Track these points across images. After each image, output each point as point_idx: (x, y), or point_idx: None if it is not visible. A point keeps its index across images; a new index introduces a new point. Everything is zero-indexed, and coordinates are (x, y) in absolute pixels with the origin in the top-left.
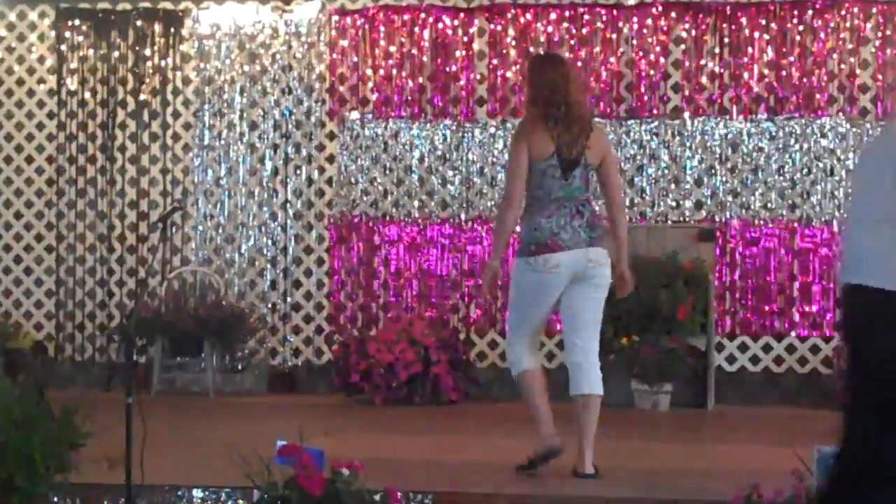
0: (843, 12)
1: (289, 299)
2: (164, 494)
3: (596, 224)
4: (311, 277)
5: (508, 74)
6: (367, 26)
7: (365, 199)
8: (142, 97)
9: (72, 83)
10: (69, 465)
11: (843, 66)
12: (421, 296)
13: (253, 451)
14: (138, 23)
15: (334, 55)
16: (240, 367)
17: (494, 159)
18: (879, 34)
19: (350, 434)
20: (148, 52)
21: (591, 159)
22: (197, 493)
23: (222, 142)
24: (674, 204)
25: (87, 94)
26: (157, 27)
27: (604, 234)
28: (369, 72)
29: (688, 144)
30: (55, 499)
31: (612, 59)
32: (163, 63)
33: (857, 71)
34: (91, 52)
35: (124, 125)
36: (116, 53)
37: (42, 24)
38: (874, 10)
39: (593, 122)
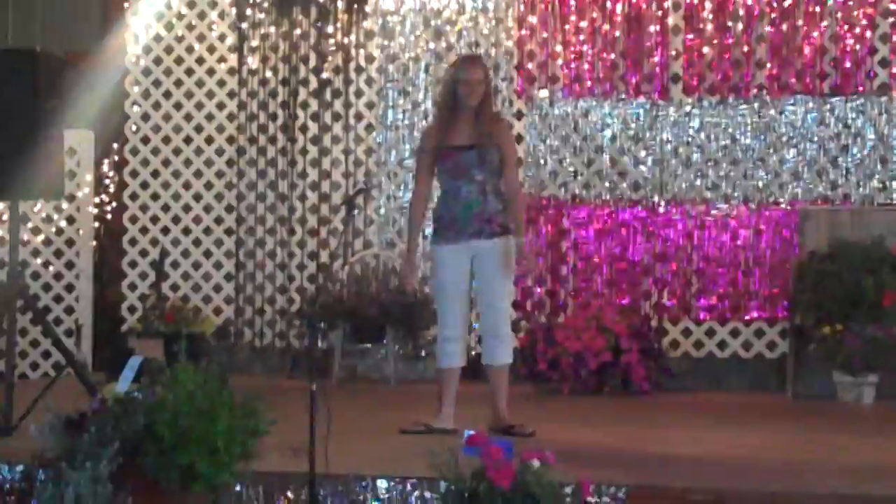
0: None
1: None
2: (349, 484)
3: None
4: None
5: (705, 50)
6: (556, 1)
7: (554, 180)
8: (324, 75)
9: (253, 61)
10: (252, 453)
11: None
12: (611, 281)
13: (439, 440)
14: None
15: (522, 31)
16: (423, 354)
17: (689, 139)
18: None
19: (539, 424)
20: (330, 28)
21: None
22: (382, 484)
23: (406, 121)
24: (880, 186)
25: (268, 73)
26: (340, 3)
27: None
28: (559, 48)
29: (895, 122)
30: (238, 487)
31: (816, 34)
32: (346, 40)
33: None
34: (272, 29)
35: (306, 104)
36: (298, 31)
37: (223, 1)
38: None
39: None
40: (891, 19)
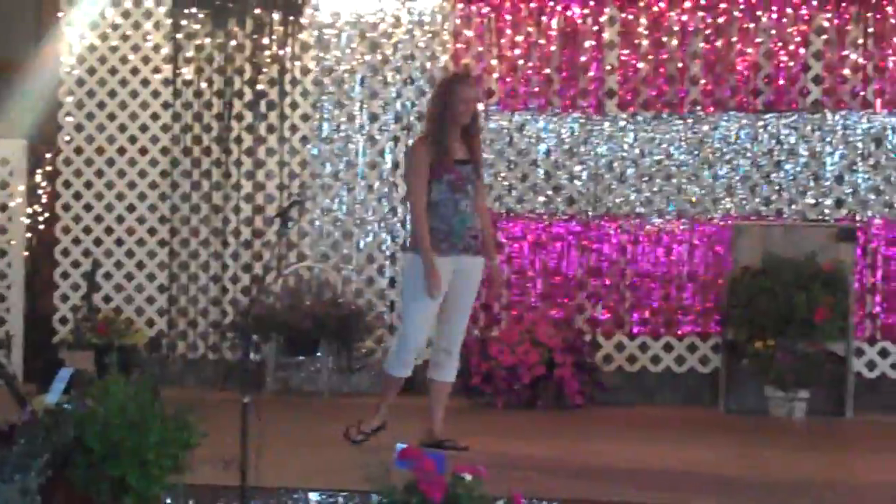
0: None
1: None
2: (280, 497)
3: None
4: None
5: (640, 65)
6: (492, 15)
7: (489, 194)
8: (259, 87)
9: (188, 73)
10: (184, 466)
11: None
12: (545, 295)
13: (370, 453)
14: (256, 11)
15: (458, 45)
16: (356, 367)
17: (624, 154)
18: None
19: (472, 438)
20: (266, 40)
21: None
22: (313, 497)
23: (341, 134)
24: (813, 202)
25: (203, 84)
26: (276, 15)
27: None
28: (494, 62)
29: (828, 139)
30: (168, 500)
31: (750, 50)
32: (281, 52)
33: None
34: (207, 40)
35: (241, 116)
36: (233, 42)
37: (158, 12)
38: None
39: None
40: (824, 37)
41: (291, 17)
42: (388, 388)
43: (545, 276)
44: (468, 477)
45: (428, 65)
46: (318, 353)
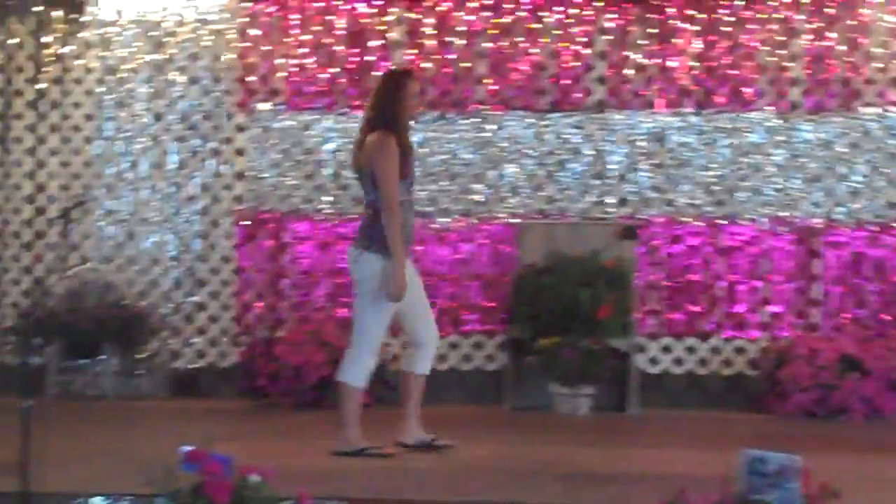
0: (772, 3)
1: (193, 299)
2: (63, 502)
3: (363, 225)
4: (217, 276)
5: (427, 64)
6: (278, 14)
7: (275, 194)
8: (41, 86)
9: None
10: None
11: (772, 58)
12: (331, 295)
13: (156, 457)
14: (37, 8)
15: (244, 43)
16: (140, 370)
17: None
18: (810, 26)
19: (258, 439)
20: (48, 38)
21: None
22: (97, 501)
23: (125, 134)
24: (596, 200)
25: None
26: (58, 13)
27: (367, 235)
28: (281, 61)
29: (611, 138)
30: None
31: (535, 50)
32: (63, 50)
33: (787, 64)
34: None
35: (21, 116)
36: (14, 40)
37: None
38: (804, 0)
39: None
40: (607, 37)
41: (73, 15)
42: (351, 401)
43: (331, 276)
44: (255, 478)
45: (213, 64)
46: (101, 357)
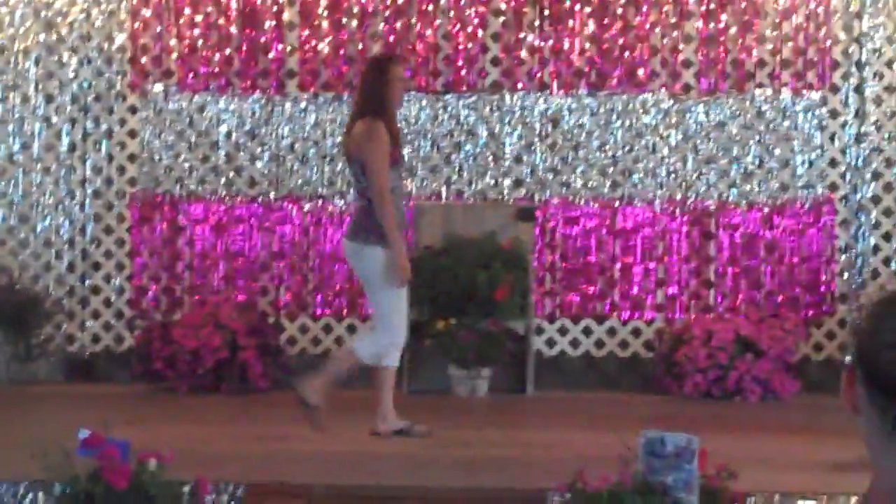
0: None
1: (87, 282)
2: None
3: (358, 217)
4: (111, 259)
5: (320, 46)
6: None
7: (169, 176)
8: None
9: None
10: None
11: (665, 40)
12: (228, 278)
13: (52, 442)
14: None
15: (136, 24)
16: (34, 355)
17: (305, 135)
18: (703, 8)
19: (155, 424)
20: None
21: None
22: None
23: (16, 116)
24: (492, 182)
25: None
26: None
27: (364, 227)
28: (173, 42)
29: (507, 120)
30: None
31: (429, 31)
32: None
33: (681, 46)
34: None
35: None
36: None
37: None
38: None
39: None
40: (501, 18)
41: None
42: (387, 384)
43: (228, 259)
44: (153, 463)
45: (105, 45)
46: None
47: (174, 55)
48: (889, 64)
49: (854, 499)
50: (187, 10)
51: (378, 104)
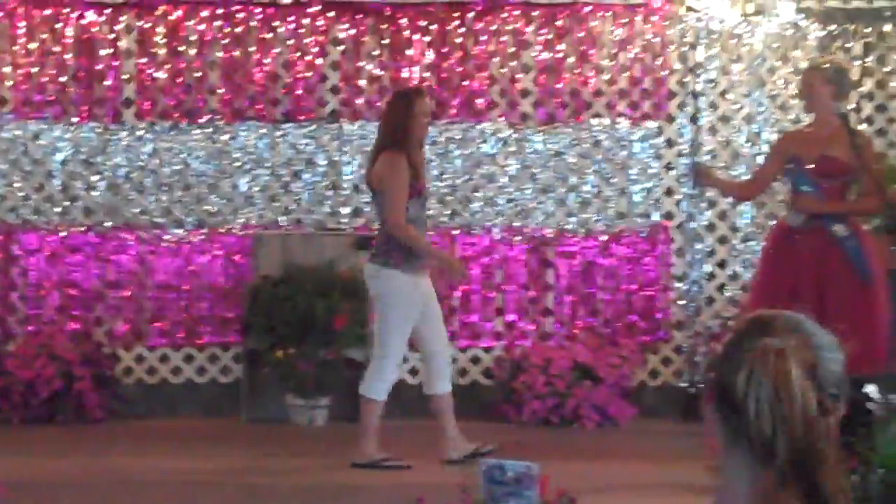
0: (504, 15)
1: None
2: None
3: (380, 241)
4: None
5: (158, 74)
6: (5, 21)
7: (2, 205)
8: None
9: None
10: None
11: (504, 69)
12: (62, 308)
13: None
14: None
15: None
16: None
17: (142, 164)
18: (540, 38)
19: None
20: None
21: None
22: None
23: None
24: (331, 211)
25: None
26: None
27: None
28: (7, 70)
29: (345, 149)
30: None
31: (268, 60)
32: None
33: (519, 75)
34: None
35: None
36: None
37: None
38: (535, 13)
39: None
40: (341, 47)
41: None
42: (372, 415)
43: (62, 289)
44: None
45: None
46: None
47: (8, 83)
48: (723, 94)
49: None
50: (22, 38)
51: (401, 137)
